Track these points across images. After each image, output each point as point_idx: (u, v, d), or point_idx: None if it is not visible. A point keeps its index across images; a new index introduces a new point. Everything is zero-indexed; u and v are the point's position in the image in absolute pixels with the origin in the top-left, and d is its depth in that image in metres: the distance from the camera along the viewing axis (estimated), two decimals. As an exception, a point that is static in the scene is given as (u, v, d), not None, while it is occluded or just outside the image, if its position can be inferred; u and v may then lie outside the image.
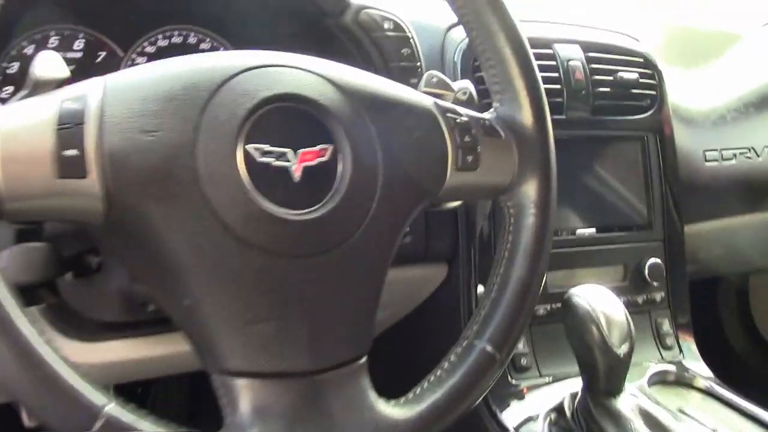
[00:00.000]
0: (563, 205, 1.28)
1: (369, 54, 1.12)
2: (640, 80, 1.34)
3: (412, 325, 1.30)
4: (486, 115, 0.86)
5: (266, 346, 0.68)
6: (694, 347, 1.37)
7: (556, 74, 1.27)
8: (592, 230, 1.29)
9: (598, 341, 1.02)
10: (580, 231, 1.28)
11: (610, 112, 1.31)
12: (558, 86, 1.27)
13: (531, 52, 0.87)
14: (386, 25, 1.10)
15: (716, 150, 1.56)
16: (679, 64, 1.78)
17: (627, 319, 1.05)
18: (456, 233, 1.21)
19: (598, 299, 1.06)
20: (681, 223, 1.39)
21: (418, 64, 1.13)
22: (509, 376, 1.21)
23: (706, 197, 1.53)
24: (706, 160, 1.54)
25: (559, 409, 1.13)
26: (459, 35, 1.24)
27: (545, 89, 1.25)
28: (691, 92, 1.65)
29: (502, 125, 0.85)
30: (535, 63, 0.87)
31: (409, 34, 1.12)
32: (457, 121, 0.81)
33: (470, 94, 0.93)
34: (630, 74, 1.32)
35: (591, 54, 1.31)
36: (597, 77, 1.30)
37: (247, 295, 0.69)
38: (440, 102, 0.83)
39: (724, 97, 1.68)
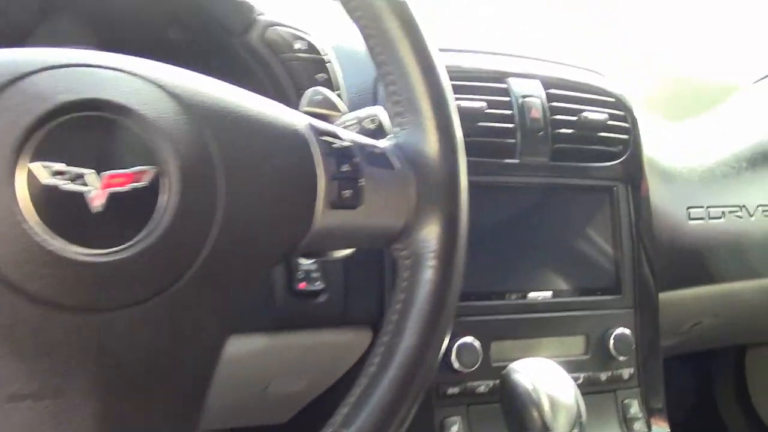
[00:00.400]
0: (513, 263, 1.10)
1: (278, 78, 0.95)
2: (609, 122, 1.16)
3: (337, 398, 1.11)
4: (381, 142, 0.69)
5: None
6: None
7: (509, 112, 1.10)
8: (547, 294, 1.10)
9: (539, 427, 0.85)
10: (532, 294, 1.09)
11: (573, 158, 1.13)
12: (511, 125, 1.09)
13: (443, 66, 0.70)
14: (298, 45, 0.94)
15: (702, 207, 1.39)
16: (671, 116, 1.62)
17: (576, 400, 0.87)
18: (381, 292, 1.03)
19: (543, 376, 0.88)
20: (656, 287, 1.20)
21: (338, 92, 0.96)
22: (437, 468, 1.02)
23: (689, 260, 1.35)
24: (691, 218, 1.37)
25: None
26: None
27: (495, 129, 1.09)
28: (677, 144, 1.48)
29: (398, 154, 0.68)
30: (446, 80, 0.70)
31: (325, 57, 0.95)
32: (335, 146, 0.64)
33: (380, 123, 0.76)
34: (597, 115, 1.14)
35: (552, 91, 1.14)
36: (558, 117, 1.13)
37: (16, 361, 0.53)
38: (317, 123, 0.66)
39: (713, 152, 1.51)
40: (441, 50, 1.14)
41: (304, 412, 1.18)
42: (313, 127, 0.66)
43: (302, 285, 0.99)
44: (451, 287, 0.67)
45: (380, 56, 0.70)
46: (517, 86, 1.12)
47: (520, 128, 1.10)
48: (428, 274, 0.67)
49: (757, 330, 1.72)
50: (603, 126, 1.16)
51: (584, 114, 1.15)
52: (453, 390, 1.04)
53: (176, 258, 0.56)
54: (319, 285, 1.00)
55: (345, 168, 0.64)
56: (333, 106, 0.71)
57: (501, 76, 1.12)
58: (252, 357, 1.00)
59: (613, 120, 1.18)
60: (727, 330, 1.65)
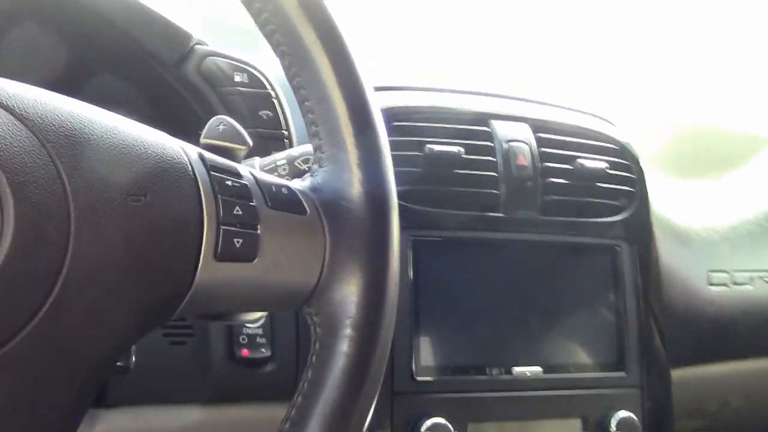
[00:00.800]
0: (496, 332, 0.95)
1: (216, 114, 0.82)
2: (610, 171, 1.02)
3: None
4: (295, 182, 0.56)
5: None
6: None
7: (491, 158, 0.95)
8: (536, 369, 0.95)
9: None
10: (518, 369, 0.94)
11: (567, 212, 0.99)
12: (494, 174, 0.95)
13: (371, 89, 0.56)
14: (238, 78, 0.82)
15: (725, 272, 1.22)
16: (688, 169, 1.46)
17: None
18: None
19: None
20: (668, 363, 1.03)
21: (285, 132, 0.83)
22: None
23: (710, 331, 1.18)
24: (711, 284, 1.20)
25: None
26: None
27: (476, 177, 0.96)
28: (695, 201, 1.33)
29: (313, 198, 0.55)
30: (375, 106, 0.56)
31: (270, 92, 0.83)
32: (228, 183, 0.51)
33: (313, 162, 0.62)
34: (595, 163, 1.00)
35: (543, 135, 1.00)
36: (549, 165, 0.99)
37: None
38: (211, 157, 0.53)
39: (738, 210, 1.35)
40: (417, 89, 1.03)
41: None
42: (204, 161, 0.53)
43: (245, 352, 0.85)
44: (371, 365, 0.53)
45: (296, 78, 0.57)
46: (501, 129, 0.98)
47: (504, 177, 0.96)
48: (342, 346, 0.53)
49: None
50: (602, 175, 1.02)
51: (580, 161, 1.00)
52: (420, 486, 0.89)
53: (5, 316, 0.43)
54: (265, 352, 0.86)
55: (238, 212, 0.51)
56: (237, 138, 0.58)
57: (483, 118, 0.99)
58: (185, 432, 0.87)
59: (615, 169, 1.04)
60: (761, 413, 1.46)
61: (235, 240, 0.51)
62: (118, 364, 0.72)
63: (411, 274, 0.91)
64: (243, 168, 0.55)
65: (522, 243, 0.98)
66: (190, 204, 0.50)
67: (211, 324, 0.85)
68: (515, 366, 0.94)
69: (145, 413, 0.85)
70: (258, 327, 0.86)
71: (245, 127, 0.81)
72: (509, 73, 1.25)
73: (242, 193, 0.52)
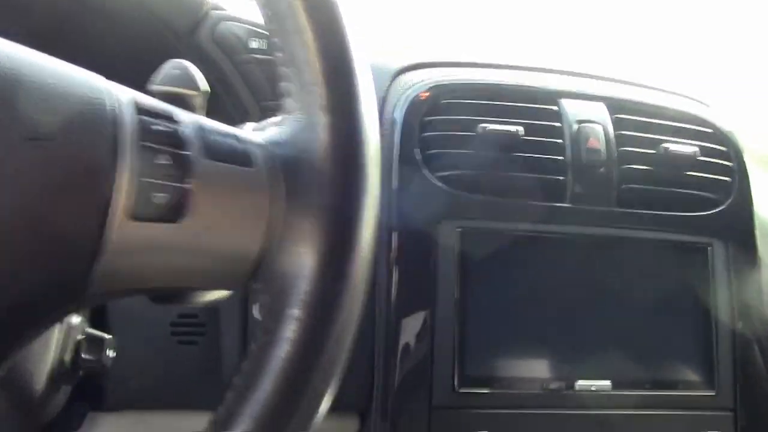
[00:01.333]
0: (557, 339, 0.82)
1: (233, 87, 0.74)
2: (703, 158, 0.87)
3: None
4: (251, 132, 0.46)
5: None
6: None
7: (558, 140, 0.83)
8: (605, 383, 0.81)
9: None
10: (583, 383, 0.81)
11: (649, 204, 0.85)
12: (559, 158, 0.83)
13: (353, 35, 0.46)
14: (254, 44, 0.73)
15: None
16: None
17: None
18: (371, 366, 0.78)
19: None
20: (766, 384, 0.88)
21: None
22: None
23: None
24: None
25: None
26: (409, 80, 0.84)
27: (538, 161, 0.83)
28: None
29: (270, 150, 0.45)
30: (355, 45, 0.46)
31: None
32: (155, 128, 0.42)
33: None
34: (684, 147, 0.86)
35: (621, 116, 0.86)
36: (628, 149, 0.85)
37: None
38: (145, 100, 0.44)
39: None
40: (474, 65, 0.91)
41: None
42: (136, 104, 0.44)
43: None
44: (322, 355, 0.43)
45: (271, 24, 0.48)
46: (572, 109, 0.86)
47: (572, 162, 0.84)
48: (286, 330, 0.43)
49: None
50: (692, 163, 0.87)
51: (665, 146, 0.86)
52: None
53: None
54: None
55: (164, 161, 0.42)
56: (191, 83, 0.48)
57: (551, 96, 0.86)
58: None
59: (709, 156, 0.89)
60: None
61: (154, 195, 0.41)
62: (86, 357, 0.65)
63: (457, 270, 0.79)
64: (184, 113, 0.46)
65: (592, 238, 0.84)
66: (103, 150, 0.41)
67: (223, 320, 0.76)
68: (579, 379, 0.81)
69: (149, 419, 0.77)
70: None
71: (262, 100, 0.73)
72: (586, 52, 1.11)
73: (171, 140, 0.43)
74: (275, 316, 0.44)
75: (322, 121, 0.44)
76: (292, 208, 0.44)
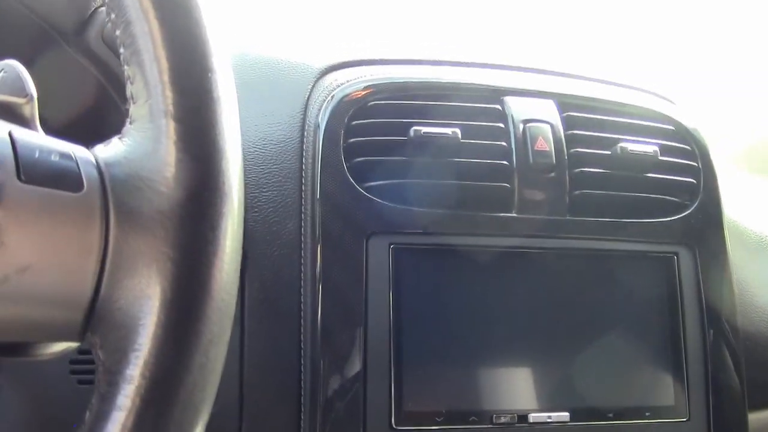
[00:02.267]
0: (508, 368, 0.72)
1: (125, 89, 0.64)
2: (664, 158, 0.78)
3: None
4: (78, 147, 0.37)
5: None
6: None
7: (502, 143, 0.74)
8: (564, 415, 0.72)
9: None
10: (537, 415, 0.72)
11: (604, 211, 0.76)
12: (504, 163, 0.74)
13: (215, 39, 0.37)
14: None
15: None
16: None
17: None
18: (297, 409, 0.69)
19: None
20: (744, 405, 0.79)
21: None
22: None
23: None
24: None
25: None
26: (334, 80, 0.75)
27: (480, 167, 0.74)
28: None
29: (104, 170, 0.35)
30: (219, 59, 0.37)
31: None
32: None
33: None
34: (643, 146, 0.77)
35: (573, 114, 0.78)
36: (581, 150, 0.76)
37: None
38: None
39: None
40: (408, 62, 0.82)
41: None
42: None
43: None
44: (165, 427, 0.33)
45: (111, 14, 0.39)
46: (518, 107, 0.77)
47: (519, 167, 0.75)
48: (120, 396, 0.33)
49: None
50: (653, 163, 0.79)
51: (622, 146, 0.77)
52: None
53: None
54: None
55: None
56: (17, 89, 0.39)
57: (495, 94, 0.77)
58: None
59: (671, 155, 0.80)
60: None
61: None
62: None
63: (390, 293, 0.70)
64: (5, 125, 0.36)
65: (543, 251, 0.76)
66: None
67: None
68: (533, 411, 0.72)
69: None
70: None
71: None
72: (533, 46, 1.03)
73: None
74: (110, 377, 0.34)
75: (167, 131, 0.35)
76: (128, 242, 0.35)
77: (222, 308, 0.36)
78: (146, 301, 0.34)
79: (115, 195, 0.36)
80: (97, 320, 0.35)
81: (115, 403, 0.34)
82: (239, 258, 0.37)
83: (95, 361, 0.36)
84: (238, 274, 0.37)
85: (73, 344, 0.43)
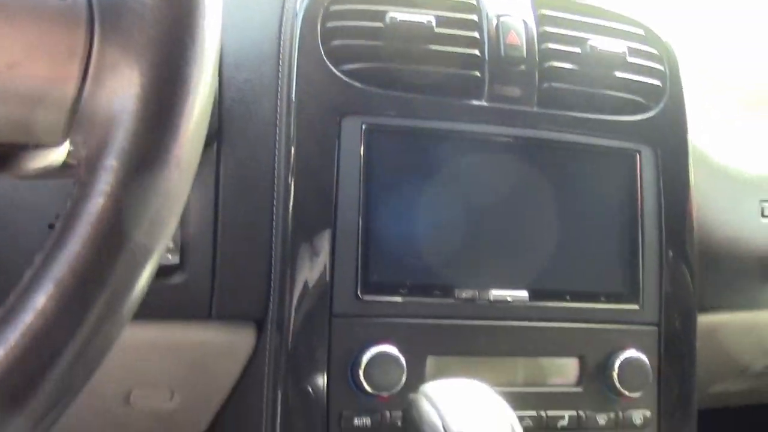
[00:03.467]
0: (471, 246, 0.76)
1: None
2: (632, 60, 0.81)
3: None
4: None
5: None
6: None
7: (474, 34, 0.76)
8: (522, 294, 0.76)
9: None
10: (497, 293, 0.75)
11: (571, 105, 0.79)
12: (475, 52, 0.76)
13: None
14: None
15: (783, 203, 1.00)
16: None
17: None
18: (267, 274, 0.72)
19: (461, 406, 0.57)
20: (694, 303, 0.83)
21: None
22: None
23: (761, 270, 0.96)
24: (765, 215, 0.98)
25: None
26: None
27: (452, 55, 0.77)
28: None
29: None
30: None
31: None
32: None
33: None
34: (612, 46, 0.80)
35: (546, 12, 0.80)
36: (551, 46, 0.79)
37: None
38: None
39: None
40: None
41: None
42: None
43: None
44: (143, 211, 0.36)
45: None
46: (491, 1, 0.79)
47: (490, 58, 0.77)
48: (100, 183, 0.36)
49: None
50: (621, 63, 0.82)
51: (592, 44, 0.80)
52: (361, 421, 0.71)
53: None
54: (171, 258, 0.70)
55: None
56: None
57: (471, -12, 0.80)
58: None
59: (640, 57, 0.83)
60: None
61: None
62: None
63: (361, 171, 0.73)
64: None
65: (511, 140, 0.79)
66: None
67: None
68: (493, 289, 0.76)
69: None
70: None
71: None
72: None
73: None
74: (90, 167, 0.37)
75: None
76: (110, 43, 0.37)
77: (196, 109, 0.38)
78: (127, 98, 0.37)
79: (100, 4, 0.38)
80: (81, 119, 0.38)
81: (95, 189, 0.36)
82: (216, 61, 0.40)
83: (77, 162, 0.39)
84: (216, 78, 0.40)
85: (56, 162, 0.46)
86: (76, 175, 0.38)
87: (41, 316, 0.35)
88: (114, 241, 0.36)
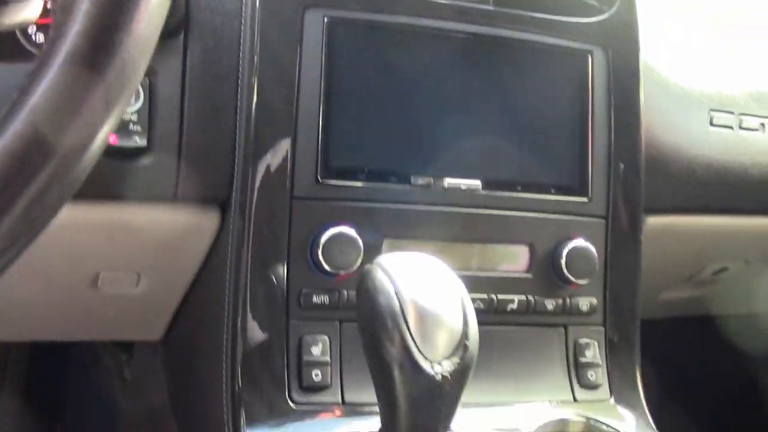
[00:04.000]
0: (428, 136, 0.80)
1: None
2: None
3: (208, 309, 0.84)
4: None
5: None
6: (639, 395, 0.84)
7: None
8: (476, 183, 0.79)
9: (398, 349, 0.57)
10: (451, 181, 0.78)
11: (527, 4, 0.82)
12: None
13: None
14: None
15: (731, 113, 1.03)
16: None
17: (463, 311, 0.59)
18: (232, 157, 0.74)
19: (414, 276, 0.59)
20: (641, 202, 0.87)
21: None
22: (289, 393, 0.72)
23: (707, 177, 1.01)
24: (713, 124, 1.01)
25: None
26: None
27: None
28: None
29: None
30: None
31: None
32: None
33: None
34: (566, -52, 0.83)
35: None
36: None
37: None
38: None
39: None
40: None
41: (178, 328, 0.90)
42: None
43: (113, 138, 0.71)
44: (113, 52, 0.39)
45: None
46: None
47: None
48: (76, 24, 0.39)
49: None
50: (575, -37, 0.84)
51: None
52: (320, 299, 0.75)
53: None
54: (139, 141, 0.72)
55: None
56: None
57: None
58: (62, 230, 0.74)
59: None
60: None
61: None
62: None
63: (323, 60, 0.76)
64: None
65: (467, 36, 0.81)
66: None
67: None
68: (448, 177, 0.79)
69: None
70: (132, 111, 0.72)
71: None
72: None
73: None
74: (66, 10, 0.39)
75: None
76: None
77: None
78: None
79: None
80: None
81: (71, 30, 0.39)
82: None
83: (53, 9, 0.42)
84: None
85: (32, 16, 0.48)
86: (54, 20, 0.40)
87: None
88: (88, 77, 0.39)
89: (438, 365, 0.57)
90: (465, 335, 0.58)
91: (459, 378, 0.58)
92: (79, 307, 0.87)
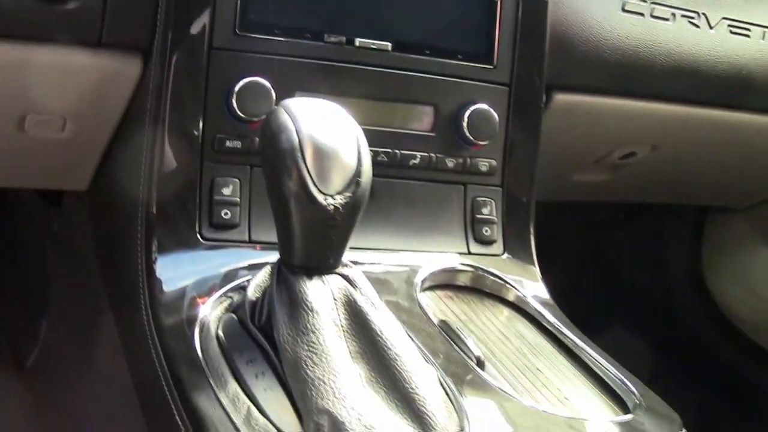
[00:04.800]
0: (343, 2, 0.84)
1: None
2: None
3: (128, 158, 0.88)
4: None
5: None
6: (532, 252, 0.92)
7: None
8: (385, 44, 0.84)
9: (295, 182, 0.61)
10: (362, 41, 0.84)
11: None
12: None
13: None
14: None
15: (644, 0, 1.08)
16: None
17: (358, 150, 0.63)
18: (155, 7, 0.78)
19: (315, 118, 0.63)
20: (544, 74, 0.93)
21: None
22: (200, 229, 0.78)
23: (613, 60, 1.06)
24: (625, 9, 1.06)
25: (244, 287, 0.71)
26: None
27: None
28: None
29: None
30: None
31: None
32: None
33: None
34: None
35: None
36: None
37: None
38: None
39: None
40: None
41: (103, 177, 0.95)
42: None
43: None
44: None
45: None
46: None
47: None
48: None
49: (712, 186, 1.44)
50: None
51: None
52: (233, 144, 0.80)
53: None
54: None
55: None
56: None
57: None
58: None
59: None
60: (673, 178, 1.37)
61: None
62: None
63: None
64: None
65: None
66: None
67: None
68: (359, 37, 0.84)
69: None
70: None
71: None
72: None
73: None
74: None
75: None
76: None
77: None
78: None
79: None
80: None
81: None
82: None
83: None
84: None
85: None
86: None
87: None
88: None
89: (331, 198, 0.62)
90: (358, 173, 0.63)
91: (350, 211, 0.62)
92: (8, 151, 0.91)
